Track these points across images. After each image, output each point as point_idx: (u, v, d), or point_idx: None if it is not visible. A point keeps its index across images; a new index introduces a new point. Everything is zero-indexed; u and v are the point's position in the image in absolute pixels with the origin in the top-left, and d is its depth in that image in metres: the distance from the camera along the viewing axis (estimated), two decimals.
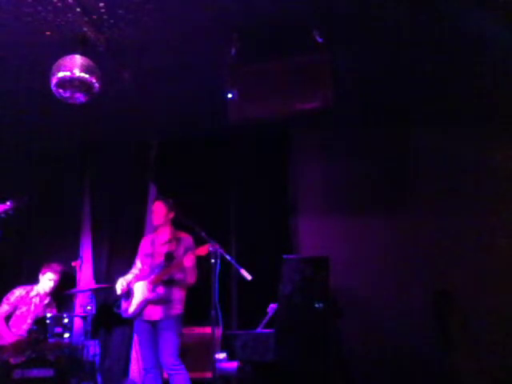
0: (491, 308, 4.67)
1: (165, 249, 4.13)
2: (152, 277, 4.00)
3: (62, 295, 5.25)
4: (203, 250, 3.82)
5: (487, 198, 5.01)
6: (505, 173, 5.05)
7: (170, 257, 4.05)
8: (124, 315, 4.09)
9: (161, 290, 3.98)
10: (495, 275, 4.80)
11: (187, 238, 4.17)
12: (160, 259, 4.08)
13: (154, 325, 4.00)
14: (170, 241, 4.16)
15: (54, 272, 4.98)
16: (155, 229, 4.34)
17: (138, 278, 4.13)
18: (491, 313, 4.66)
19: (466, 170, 5.12)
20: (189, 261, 3.84)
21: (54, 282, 4.99)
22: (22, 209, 3.77)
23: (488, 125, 5.08)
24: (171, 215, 4.22)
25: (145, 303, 3.97)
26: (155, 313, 3.97)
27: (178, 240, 4.16)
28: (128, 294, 4.07)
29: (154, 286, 3.97)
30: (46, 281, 4.96)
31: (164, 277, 3.97)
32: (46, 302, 5.00)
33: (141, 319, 4.01)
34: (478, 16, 3.60)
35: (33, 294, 4.94)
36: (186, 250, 4.07)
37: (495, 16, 3.60)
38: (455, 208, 5.06)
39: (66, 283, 5.40)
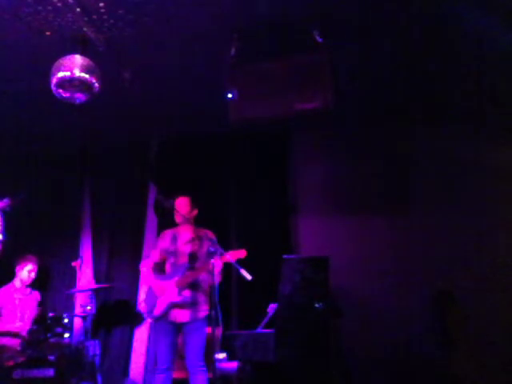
0: (491, 308, 4.67)
1: (188, 248, 4.05)
2: (176, 279, 3.93)
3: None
4: (241, 254, 3.75)
5: (487, 198, 5.01)
6: (505, 173, 5.05)
7: (193, 258, 3.99)
8: (148, 317, 4.05)
9: (187, 293, 3.92)
10: (495, 275, 4.81)
11: (209, 234, 4.04)
12: (184, 259, 4.01)
13: (179, 327, 3.95)
14: (192, 240, 4.08)
15: (33, 263, 5.00)
16: (177, 225, 4.20)
17: (161, 278, 4.07)
18: (491, 313, 4.67)
19: (466, 170, 5.12)
20: (219, 266, 3.72)
21: (34, 272, 5.01)
22: (20, 206, 3.75)
23: (488, 125, 5.08)
24: (195, 212, 4.13)
25: (171, 306, 3.92)
26: (182, 315, 3.92)
27: (200, 239, 4.07)
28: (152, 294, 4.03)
29: (179, 289, 3.91)
30: (26, 273, 4.97)
31: (189, 280, 3.91)
32: (28, 293, 5.04)
33: (165, 320, 3.95)
34: (478, 16, 3.60)
35: (12, 290, 4.98)
36: (209, 253, 3.88)
37: (495, 16, 3.61)
38: (455, 208, 5.06)
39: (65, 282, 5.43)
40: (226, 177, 5.62)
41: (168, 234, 4.22)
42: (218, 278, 3.89)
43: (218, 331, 4.12)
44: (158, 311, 3.95)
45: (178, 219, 4.14)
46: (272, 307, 4.25)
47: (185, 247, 4.07)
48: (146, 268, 4.17)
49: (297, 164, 5.60)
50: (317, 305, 3.99)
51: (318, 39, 3.59)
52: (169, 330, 3.95)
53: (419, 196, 5.23)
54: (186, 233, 4.13)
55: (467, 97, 4.86)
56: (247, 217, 5.45)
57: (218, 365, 3.67)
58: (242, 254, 3.75)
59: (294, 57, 3.68)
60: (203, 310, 3.98)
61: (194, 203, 4.17)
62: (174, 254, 4.08)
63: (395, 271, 5.05)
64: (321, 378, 3.90)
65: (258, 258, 4.94)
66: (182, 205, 4.13)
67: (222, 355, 4.21)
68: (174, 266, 4.03)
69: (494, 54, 4.12)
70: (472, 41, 3.95)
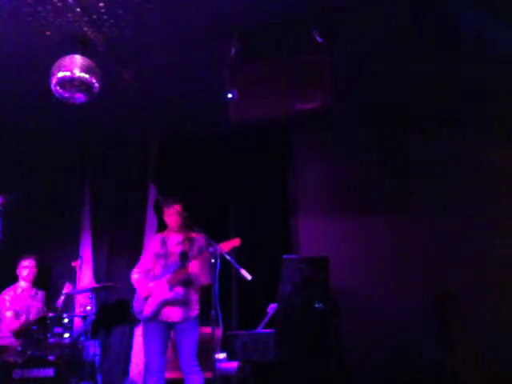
0: (491, 308, 4.67)
1: (179, 249, 4.07)
2: (168, 276, 3.93)
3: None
4: (235, 242, 3.74)
5: (487, 198, 5.00)
6: (505, 173, 5.04)
7: (185, 256, 3.99)
8: (139, 317, 4.04)
9: (179, 290, 3.93)
10: (495, 275, 4.80)
11: (200, 238, 4.08)
12: (174, 259, 4.02)
13: (170, 326, 3.95)
14: (183, 241, 4.11)
15: (31, 259, 5.01)
16: (168, 229, 4.25)
17: (151, 279, 4.08)
18: (491, 313, 4.66)
19: (466, 170, 5.12)
20: (201, 262, 3.77)
21: (34, 268, 5.02)
22: (13, 205, 3.75)
23: (488, 125, 5.08)
24: (185, 216, 4.16)
25: (162, 303, 3.91)
26: (174, 314, 3.91)
27: (191, 240, 4.10)
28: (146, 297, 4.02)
29: (171, 285, 3.91)
30: (25, 270, 4.98)
31: (181, 276, 3.92)
32: (33, 293, 5.05)
33: (157, 320, 3.94)
34: (478, 16, 3.60)
35: (19, 291, 5.00)
36: (200, 250, 4.00)
37: (495, 16, 3.61)
38: (455, 208, 5.05)
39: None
40: (226, 177, 5.62)
41: (157, 238, 4.27)
42: (208, 276, 3.91)
43: (218, 331, 4.12)
44: (148, 311, 3.93)
45: (173, 225, 4.18)
46: (272, 307, 4.25)
47: (175, 248, 4.10)
48: (138, 274, 4.17)
49: (297, 164, 5.59)
50: (317, 305, 3.99)
51: (318, 39, 3.60)
52: (160, 330, 3.94)
53: (419, 196, 5.22)
54: (176, 235, 4.16)
55: (467, 97, 4.86)
56: (247, 217, 5.45)
57: (217, 365, 3.68)
58: (236, 242, 3.74)
59: (293, 57, 3.68)
60: (195, 309, 3.99)
61: (184, 207, 4.17)
62: (165, 256, 4.10)
63: (395, 271, 5.04)
64: (321, 378, 3.91)
65: (258, 258, 4.98)
66: (179, 212, 4.13)
67: (222, 355, 4.22)
68: (165, 267, 4.05)
69: (494, 54, 4.12)
70: (472, 41, 3.95)
